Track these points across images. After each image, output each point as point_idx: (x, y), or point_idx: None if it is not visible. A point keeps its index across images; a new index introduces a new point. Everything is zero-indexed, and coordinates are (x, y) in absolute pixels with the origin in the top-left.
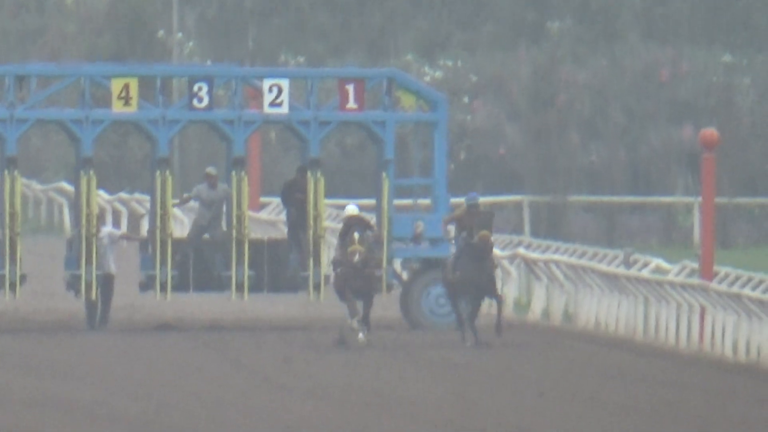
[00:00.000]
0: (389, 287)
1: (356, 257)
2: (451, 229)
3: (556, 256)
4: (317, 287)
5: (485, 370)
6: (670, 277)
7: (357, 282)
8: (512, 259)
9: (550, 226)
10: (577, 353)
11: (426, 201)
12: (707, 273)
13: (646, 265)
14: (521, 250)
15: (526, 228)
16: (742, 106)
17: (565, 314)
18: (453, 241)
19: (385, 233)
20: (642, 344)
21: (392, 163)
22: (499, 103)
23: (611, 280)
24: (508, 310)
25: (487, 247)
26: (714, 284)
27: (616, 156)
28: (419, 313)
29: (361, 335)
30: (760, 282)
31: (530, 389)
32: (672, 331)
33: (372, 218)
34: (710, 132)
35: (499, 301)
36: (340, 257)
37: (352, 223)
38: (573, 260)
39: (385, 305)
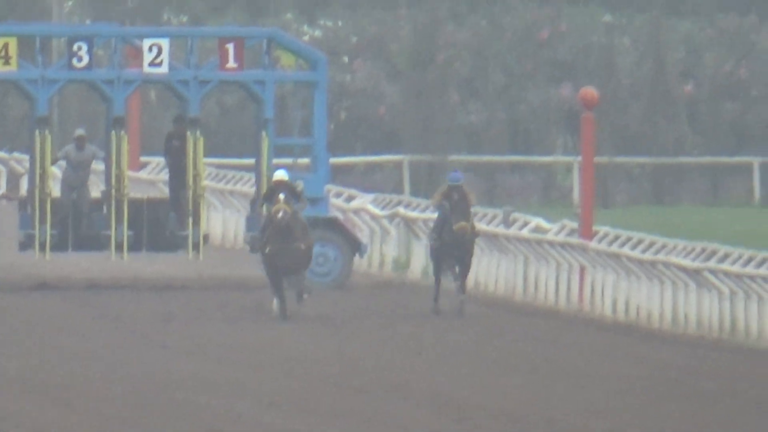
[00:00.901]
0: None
1: (280, 215)
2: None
3: (436, 215)
4: (196, 247)
5: (367, 329)
6: (550, 236)
7: (285, 260)
8: (392, 218)
9: (430, 185)
10: (455, 311)
11: (305, 160)
12: (587, 232)
13: (525, 224)
14: (401, 210)
15: (406, 187)
16: (621, 66)
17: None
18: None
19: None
20: (522, 303)
21: (272, 122)
22: (379, 63)
23: (491, 239)
24: (387, 269)
25: (464, 238)
26: (593, 243)
27: (496, 115)
28: None
29: (275, 304)
30: (639, 241)
31: (410, 348)
32: (551, 290)
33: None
34: (590, 91)
35: (466, 273)
36: (266, 222)
37: (278, 187)
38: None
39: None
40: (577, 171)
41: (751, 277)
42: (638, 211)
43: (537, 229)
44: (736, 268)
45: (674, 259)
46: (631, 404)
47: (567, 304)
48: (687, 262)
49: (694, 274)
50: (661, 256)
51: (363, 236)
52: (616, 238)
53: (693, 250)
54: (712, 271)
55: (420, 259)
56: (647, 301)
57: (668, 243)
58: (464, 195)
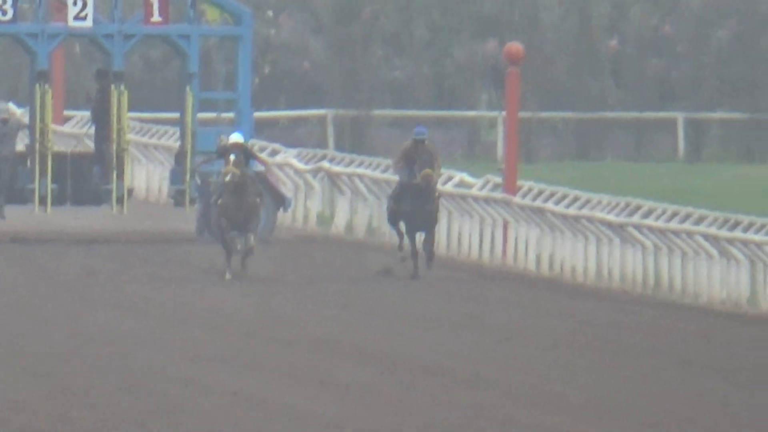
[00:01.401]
0: (192, 201)
1: (228, 177)
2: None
3: (360, 170)
4: (120, 200)
5: (291, 284)
6: (474, 191)
7: (237, 214)
8: (316, 172)
9: (354, 140)
10: (379, 266)
11: (230, 115)
12: (510, 187)
13: (449, 179)
14: (325, 164)
15: (330, 142)
16: (546, 22)
17: (368, 228)
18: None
19: (189, 147)
20: (445, 258)
21: (196, 76)
22: (304, 18)
23: None
24: (311, 224)
25: (429, 187)
26: (517, 198)
27: (420, 70)
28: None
29: (228, 275)
30: (563, 196)
31: (334, 302)
32: (475, 245)
33: (253, 145)
34: (515, 46)
35: (432, 238)
36: (222, 190)
37: (230, 149)
38: (377, 174)
39: (188, 219)
40: (502, 126)
41: (675, 232)
42: (562, 166)
43: (461, 184)
44: (660, 224)
45: (598, 214)
46: (556, 359)
47: (491, 259)
48: (611, 217)
49: (618, 229)
50: (585, 211)
51: (287, 191)
52: (540, 193)
53: (617, 205)
54: (636, 227)
55: (344, 214)
56: (571, 256)
57: (592, 198)
58: (430, 150)
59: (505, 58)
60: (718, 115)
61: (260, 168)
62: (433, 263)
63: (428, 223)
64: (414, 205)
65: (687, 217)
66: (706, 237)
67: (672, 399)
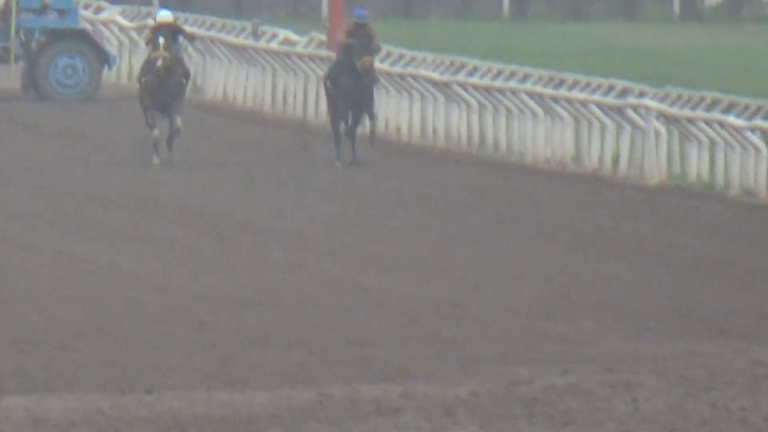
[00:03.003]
0: (16, 59)
1: (159, 62)
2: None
3: (185, 27)
4: None
5: (114, 143)
6: (298, 48)
7: (161, 95)
8: (141, 30)
9: None
10: (205, 125)
11: None
12: (335, 45)
13: (274, 36)
14: (150, 21)
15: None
16: None
17: (193, 86)
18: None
19: (13, 4)
20: (270, 116)
21: None
22: None
23: (239, 51)
24: (132, 84)
25: (368, 72)
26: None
27: None
28: (47, 85)
29: (155, 159)
30: (388, 54)
31: (156, 162)
32: (300, 103)
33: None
34: None
35: (374, 118)
36: (145, 66)
37: (159, 29)
38: (201, 32)
39: (12, 77)
40: None
41: (500, 91)
42: (387, 24)
43: (285, 42)
44: (484, 82)
45: (423, 72)
46: (377, 218)
47: (315, 117)
48: (435, 76)
49: (443, 87)
50: (409, 69)
51: (111, 48)
52: None
53: (441, 63)
54: (461, 85)
55: None
56: (396, 114)
57: (417, 56)
58: (370, 33)
59: None
60: None
61: (84, 26)
62: (375, 141)
63: (367, 100)
64: (351, 82)
65: (511, 75)
66: (530, 95)
67: (491, 257)
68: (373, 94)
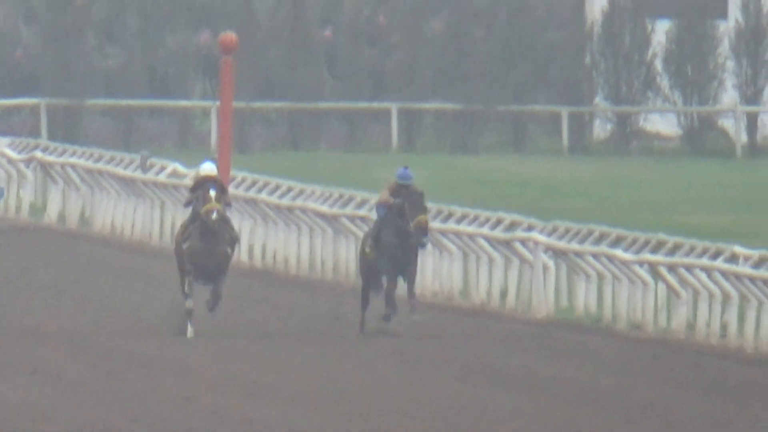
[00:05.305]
0: None
1: (214, 215)
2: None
3: (73, 159)
4: None
5: (1, 272)
6: (186, 181)
7: (205, 261)
8: (29, 162)
9: (68, 129)
10: (93, 256)
11: None
12: (224, 177)
13: (162, 169)
14: (38, 153)
15: (44, 131)
16: (260, 11)
17: (81, 218)
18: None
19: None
20: (157, 248)
21: None
22: (16, 5)
23: (128, 183)
24: (24, 213)
25: (423, 232)
26: (231, 189)
27: (133, 59)
28: None
29: (190, 331)
30: (277, 187)
31: (47, 291)
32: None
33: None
34: (229, 36)
35: (414, 278)
36: (187, 229)
37: (207, 182)
38: (89, 164)
39: None
40: (215, 116)
41: None
42: (276, 156)
43: (174, 174)
44: (372, 214)
45: (311, 204)
46: (266, 349)
47: None
48: (324, 208)
49: (332, 219)
50: (298, 202)
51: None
52: (254, 183)
53: (330, 196)
54: (349, 218)
55: (56, 204)
56: (284, 246)
57: (306, 188)
58: (418, 191)
59: (218, 47)
60: (431, 105)
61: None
62: (417, 309)
63: (411, 260)
64: (396, 241)
65: None
66: None
67: (380, 389)
68: (416, 261)
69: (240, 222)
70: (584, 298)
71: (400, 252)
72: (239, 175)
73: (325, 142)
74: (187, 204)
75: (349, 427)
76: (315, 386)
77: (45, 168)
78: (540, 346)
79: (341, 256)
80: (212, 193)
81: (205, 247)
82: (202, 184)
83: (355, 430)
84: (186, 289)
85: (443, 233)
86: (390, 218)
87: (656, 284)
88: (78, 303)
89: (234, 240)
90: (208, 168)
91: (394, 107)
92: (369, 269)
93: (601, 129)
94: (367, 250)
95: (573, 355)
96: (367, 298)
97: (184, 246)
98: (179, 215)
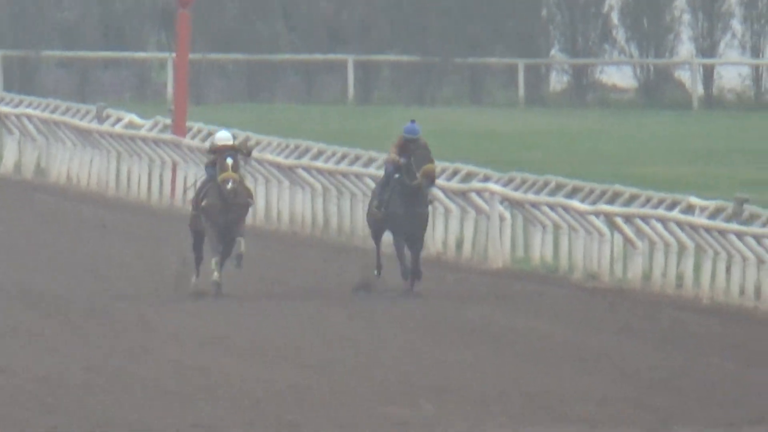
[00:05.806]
0: None
1: (230, 185)
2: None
3: (29, 110)
4: None
5: None
6: (143, 132)
7: (224, 218)
8: None
9: (24, 80)
10: (48, 207)
11: None
12: (180, 129)
13: (119, 120)
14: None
15: None
16: None
17: (37, 168)
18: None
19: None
20: (114, 198)
21: None
22: None
23: (84, 134)
24: None
25: (428, 183)
26: (186, 140)
27: (90, 11)
28: None
29: (216, 274)
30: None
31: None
32: (144, 186)
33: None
34: None
35: (421, 248)
36: (205, 190)
37: (224, 151)
38: (46, 114)
39: None
40: (171, 68)
41: (344, 174)
42: (232, 108)
43: (130, 125)
44: (329, 166)
45: (268, 156)
46: (220, 302)
47: (159, 200)
48: (281, 159)
49: (288, 171)
50: (255, 154)
51: None
52: (210, 134)
53: (287, 147)
54: (306, 168)
55: (12, 155)
56: None
57: (262, 140)
58: (424, 145)
59: (175, 0)
60: (388, 57)
61: None
62: (419, 280)
63: (420, 229)
64: (407, 210)
65: (356, 159)
66: (375, 179)
67: (334, 342)
68: (425, 225)
69: (196, 172)
70: (540, 248)
71: (407, 223)
72: (195, 126)
73: (282, 94)
74: (207, 166)
75: (301, 378)
76: (269, 339)
77: (1, 119)
78: (496, 296)
79: (297, 206)
80: (229, 161)
81: (224, 204)
82: (220, 152)
83: (309, 382)
84: (212, 244)
85: None
86: (399, 184)
87: (612, 235)
88: (33, 255)
89: (250, 194)
90: (224, 137)
91: (350, 59)
92: (377, 225)
93: (557, 81)
94: (374, 209)
95: (529, 306)
96: (379, 245)
97: (203, 203)
98: (135, 165)
